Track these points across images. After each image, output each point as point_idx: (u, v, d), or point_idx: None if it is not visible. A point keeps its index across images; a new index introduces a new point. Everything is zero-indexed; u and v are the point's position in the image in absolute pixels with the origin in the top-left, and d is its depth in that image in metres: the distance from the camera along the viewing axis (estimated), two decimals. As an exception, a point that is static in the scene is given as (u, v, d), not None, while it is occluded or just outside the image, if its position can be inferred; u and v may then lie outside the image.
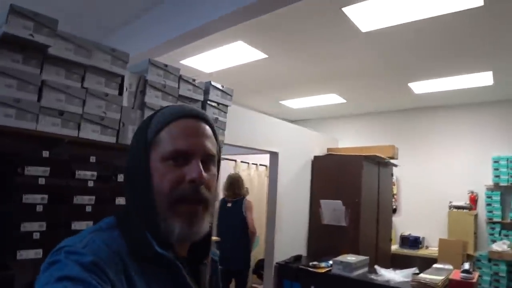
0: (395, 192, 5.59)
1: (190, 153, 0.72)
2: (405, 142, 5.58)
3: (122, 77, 2.20)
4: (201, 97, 2.63)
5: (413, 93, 4.94)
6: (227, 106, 2.82)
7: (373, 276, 3.29)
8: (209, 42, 3.81)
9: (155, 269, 0.70)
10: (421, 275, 3.09)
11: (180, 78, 2.49)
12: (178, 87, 2.48)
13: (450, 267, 3.32)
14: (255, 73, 4.72)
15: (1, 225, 1.70)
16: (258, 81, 5.05)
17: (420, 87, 4.71)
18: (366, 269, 3.54)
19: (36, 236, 1.79)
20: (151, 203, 0.71)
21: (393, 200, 5.54)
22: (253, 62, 4.28)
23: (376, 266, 3.42)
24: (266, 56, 4.09)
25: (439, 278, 2.95)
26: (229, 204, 4.17)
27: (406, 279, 3.15)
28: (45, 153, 1.86)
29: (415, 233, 5.28)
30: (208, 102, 2.67)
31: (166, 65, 2.41)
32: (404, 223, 5.55)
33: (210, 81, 2.68)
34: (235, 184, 4.21)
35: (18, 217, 1.75)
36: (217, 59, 4.27)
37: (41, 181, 1.83)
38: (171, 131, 0.73)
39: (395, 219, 5.57)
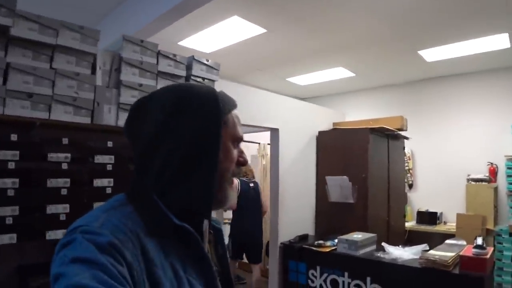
0: (411, 166, 5.38)
1: (241, 140, 0.85)
2: (418, 115, 5.32)
3: (95, 56, 2.14)
4: (183, 73, 2.54)
5: (424, 61, 4.64)
6: (213, 81, 2.72)
7: (380, 254, 3.17)
8: (204, 20, 3.70)
9: (172, 243, 0.72)
10: (431, 251, 2.94)
11: (159, 54, 2.41)
12: (157, 63, 2.40)
13: (464, 242, 3.14)
14: (256, 50, 4.56)
15: (-29, 210, 1.70)
16: (261, 58, 4.89)
17: (431, 54, 4.41)
18: (373, 247, 3.41)
19: (9, 220, 1.79)
20: (214, 174, 0.76)
21: (409, 175, 5.34)
22: (253, 38, 4.12)
23: (383, 244, 3.29)
24: (265, 30, 3.93)
25: (449, 254, 2.79)
26: (252, 185, 4.67)
27: (415, 257, 3.01)
28: (14, 137, 1.83)
29: (432, 208, 5.04)
30: (192, 77, 2.58)
31: (142, 41, 2.33)
32: (421, 199, 5.32)
33: (192, 56, 2.58)
34: (249, 170, 4.77)
35: (-12, 201, 1.75)
36: (215, 37, 4.14)
37: (11, 165, 1.81)
38: (233, 117, 0.83)
39: (412, 194, 5.38)
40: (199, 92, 0.80)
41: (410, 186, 5.36)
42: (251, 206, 4.53)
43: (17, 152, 1.82)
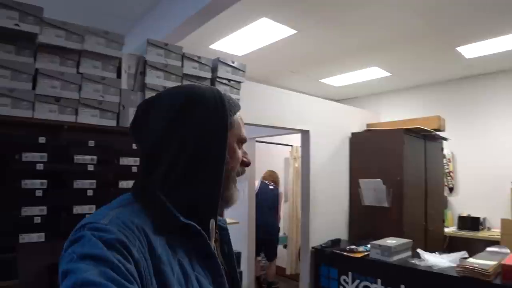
0: (451, 169, 5.11)
1: (245, 141, 0.87)
2: (458, 115, 5.04)
3: (120, 60, 2.19)
4: (208, 75, 2.55)
5: (463, 58, 4.39)
6: (239, 82, 2.71)
7: (415, 261, 3.03)
8: (233, 23, 3.71)
9: (180, 241, 0.73)
10: (470, 259, 2.77)
11: (184, 56, 2.43)
12: (182, 66, 2.42)
13: (507, 250, 2.94)
14: (288, 52, 4.51)
15: (2, 210, 1.77)
16: (293, 60, 4.84)
17: (470, 50, 4.17)
18: (408, 253, 3.27)
19: (38, 220, 1.85)
20: (221, 173, 0.78)
21: (449, 178, 5.08)
22: (283, 39, 4.07)
23: (419, 250, 3.15)
24: (295, 31, 3.88)
25: (490, 263, 2.61)
26: (271, 187, 5.12)
27: (452, 264, 2.85)
28: (42, 139, 1.90)
29: (475, 213, 4.75)
30: (217, 79, 2.58)
31: (166, 44, 2.36)
32: (462, 203, 5.01)
33: (218, 58, 2.58)
34: (275, 176, 5.30)
35: (18, 201, 1.82)
36: (245, 40, 4.14)
37: (39, 166, 1.88)
38: (238, 119, 0.85)
39: (452, 199, 5.09)
40: (206, 94, 0.81)
41: (451, 189, 5.09)
42: (266, 205, 4.93)
43: (45, 154, 1.89)
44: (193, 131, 0.76)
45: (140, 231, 0.66)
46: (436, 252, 3.13)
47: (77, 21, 2.02)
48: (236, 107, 0.85)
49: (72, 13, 3.53)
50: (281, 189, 5.41)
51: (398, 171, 3.78)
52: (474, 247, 3.89)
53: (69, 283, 0.54)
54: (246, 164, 0.87)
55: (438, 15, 3.43)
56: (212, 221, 0.82)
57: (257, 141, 4.76)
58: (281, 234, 5.93)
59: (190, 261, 0.73)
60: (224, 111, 0.80)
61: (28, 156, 1.85)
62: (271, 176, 5.26)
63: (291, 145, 5.46)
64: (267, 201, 4.95)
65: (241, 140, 0.85)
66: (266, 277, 5.17)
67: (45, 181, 1.87)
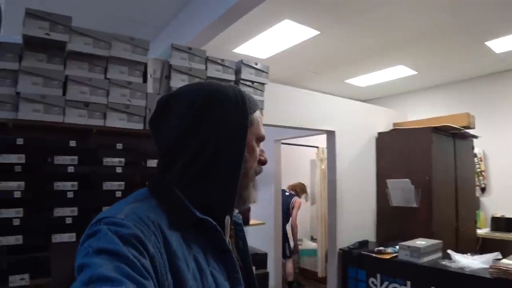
0: (483, 168, 4.94)
1: (263, 139, 0.87)
2: (489, 112, 4.87)
3: (145, 65, 2.25)
4: (232, 77, 2.58)
5: (493, 53, 4.24)
6: (263, 84, 2.72)
7: (445, 263, 2.96)
8: (255, 26, 3.74)
9: (195, 236, 0.73)
10: (504, 260, 2.68)
11: (207, 59, 2.47)
12: (206, 69, 2.46)
13: (543, 252, 2.84)
14: (311, 53, 4.49)
15: (35, 210, 1.85)
16: (317, 61, 4.81)
17: (500, 45, 4.02)
18: (438, 254, 3.20)
19: (69, 220, 1.92)
20: (239, 171, 0.78)
21: (482, 177, 4.91)
22: (307, 41, 4.07)
23: (449, 251, 3.07)
24: (318, 32, 3.87)
25: (526, 264, 2.53)
26: (287, 193, 5.38)
27: (485, 266, 2.76)
28: (72, 143, 1.97)
29: (509, 214, 4.56)
30: (241, 81, 2.61)
31: (190, 48, 2.40)
32: (495, 203, 4.82)
33: (241, 60, 2.61)
34: (297, 186, 5.58)
35: (51, 203, 1.89)
36: (269, 43, 4.16)
37: (70, 169, 1.95)
38: (257, 117, 0.84)
39: (485, 199, 4.91)
40: (227, 92, 0.81)
41: (483, 189, 4.91)
42: (281, 210, 5.05)
43: (76, 157, 1.96)
44: (214, 130, 0.76)
45: (155, 226, 0.67)
46: (468, 254, 3.04)
47: (104, 28, 2.10)
48: (255, 105, 0.85)
49: (99, 21, 3.66)
50: (302, 199, 5.59)
51: (426, 171, 3.70)
52: (509, 249, 3.74)
53: (84, 277, 0.54)
54: (263, 162, 0.86)
55: (465, 9, 3.33)
56: (227, 217, 0.82)
57: (282, 143, 4.76)
58: (308, 240, 5.94)
59: (205, 256, 0.74)
60: (245, 109, 0.80)
61: (59, 159, 1.92)
62: (293, 186, 5.59)
63: (316, 147, 5.43)
64: (282, 206, 5.05)
65: (260, 138, 0.85)
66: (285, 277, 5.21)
67: (75, 183, 1.94)
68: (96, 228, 0.63)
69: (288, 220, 5.30)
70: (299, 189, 5.58)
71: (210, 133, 0.76)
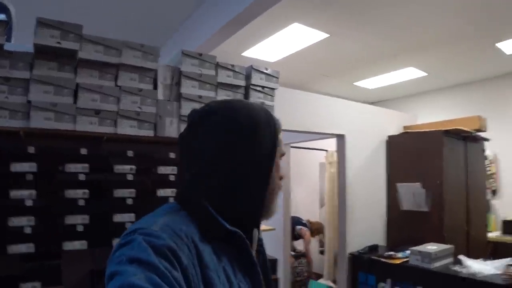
0: (494, 171, 4.88)
1: (284, 155, 0.90)
2: (500, 114, 4.79)
3: (156, 71, 2.24)
4: (242, 83, 2.56)
5: (503, 54, 4.19)
6: (273, 89, 2.71)
7: (457, 268, 2.92)
8: (264, 29, 3.73)
9: (224, 249, 0.75)
10: (517, 266, 2.66)
11: (217, 65, 2.46)
12: (216, 75, 2.45)
13: (557, 257, 2.80)
14: (320, 56, 4.47)
15: (47, 218, 1.86)
16: (326, 64, 4.79)
17: (511, 46, 3.99)
18: (450, 259, 3.16)
19: (80, 228, 1.92)
20: (267, 188, 0.82)
21: (492, 180, 4.85)
22: (316, 44, 4.05)
23: (461, 256, 3.03)
24: (328, 35, 3.85)
25: (539, 270, 2.49)
26: (303, 221, 5.49)
27: (497, 272, 2.73)
28: (83, 151, 1.98)
29: (521, 217, 4.51)
30: (251, 87, 2.59)
31: (200, 54, 2.39)
32: (507, 206, 4.74)
33: (251, 65, 2.60)
34: (315, 224, 5.56)
35: (62, 210, 1.89)
36: (278, 46, 4.15)
37: (81, 177, 1.95)
38: (280, 137, 0.87)
39: (496, 202, 4.84)
40: (260, 115, 0.84)
41: (494, 192, 4.85)
42: None
43: (87, 165, 1.96)
44: (248, 154, 0.79)
45: (188, 239, 0.68)
46: (480, 259, 3.00)
47: (114, 35, 2.10)
48: (280, 125, 0.88)
49: (110, 28, 3.67)
50: (313, 237, 5.56)
51: (437, 174, 3.66)
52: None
53: (116, 284, 0.55)
54: (281, 177, 0.89)
55: (475, 11, 3.29)
56: (255, 231, 0.87)
57: (292, 147, 4.74)
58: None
59: (233, 269, 0.75)
60: (275, 132, 0.85)
61: (70, 167, 1.93)
62: (313, 222, 5.57)
63: (326, 150, 5.40)
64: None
65: (282, 155, 0.88)
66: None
67: (86, 190, 1.94)
68: (130, 238, 0.64)
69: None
70: (315, 228, 5.51)
71: (244, 157, 0.79)
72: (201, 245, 0.70)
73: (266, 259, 0.94)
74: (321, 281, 5.05)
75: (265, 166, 0.82)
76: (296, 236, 5.28)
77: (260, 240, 0.95)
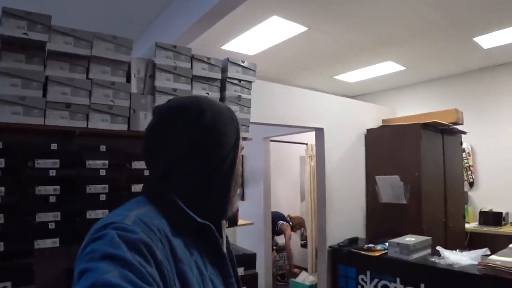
0: (471, 163, 4.97)
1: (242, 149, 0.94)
2: (477, 107, 4.90)
3: (129, 64, 2.19)
4: (218, 75, 2.52)
5: (480, 48, 4.26)
6: (250, 82, 2.68)
7: (434, 259, 2.96)
8: (243, 22, 3.71)
9: (194, 242, 0.76)
10: (493, 256, 2.69)
11: (193, 58, 2.41)
12: (191, 67, 2.40)
13: (532, 246, 2.86)
14: (300, 49, 4.47)
15: (17, 216, 1.80)
16: (305, 58, 4.79)
17: (488, 40, 4.04)
18: (428, 251, 3.21)
19: (52, 225, 1.87)
20: (232, 179, 0.86)
21: (470, 172, 4.94)
22: (295, 37, 4.04)
23: (438, 248, 3.07)
24: (307, 28, 3.84)
25: (514, 260, 2.54)
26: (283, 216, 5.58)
27: (473, 262, 2.77)
28: (54, 146, 1.92)
29: (497, 208, 4.60)
30: (228, 79, 2.56)
31: (175, 46, 2.35)
32: (483, 198, 4.87)
33: (227, 58, 2.56)
34: (295, 219, 5.68)
35: (33, 208, 1.83)
36: (257, 40, 4.13)
37: (52, 172, 1.90)
38: (241, 131, 0.92)
39: (473, 193, 4.96)
40: (224, 111, 0.88)
41: (471, 184, 4.95)
42: None
43: (58, 160, 1.91)
44: (216, 148, 0.83)
45: (161, 233, 0.67)
46: (457, 250, 3.05)
47: (86, 28, 2.03)
48: (238, 120, 0.93)
49: (80, 20, 3.58)
50: (293, 232, 5.63)
51: (415, 167, 3.70)
52: (497, 243, 3.77)
53: (88, 282, 0.53)
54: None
55: (453, 5, 3.33)
56: (223, 222, 0.89)
57: (271, 140, 4.74)
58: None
59: (203, 262, 0.76)
60: (237, 127, 0.89)
61: (40, 163, 1.87)
62: (293, 217, 5.67)
63: (306, 144, 5.42)
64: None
65: (241, 149, 0.92)
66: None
67: (58, 187, 1.89)
68: (102, 233, 0.62)
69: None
70: (296, 223, 5.59)
71: (212, 153, 0.82)
72: (173, 239, 0.70)
73: (232, 253, 0.94)
74: (301, 276, 5.06)
75: (231, 160, 0.85)
76: (277, 231, 5.29)
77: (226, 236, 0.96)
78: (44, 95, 1.91)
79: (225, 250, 0.86)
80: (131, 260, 0.57)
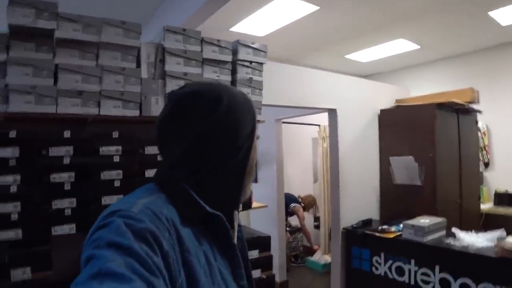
0: (486, 143, 4.87)
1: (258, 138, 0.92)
2: (494, 86, 4.74)
3: (138, 49, 2.17)
4: (229, 58, 2.49)
5: (497, 24, 4.10)
6: (261, 64, 2.64)
7: (450, 241, 2.94)
8: (252, 2, 3.62)
9: (204, 232, 0.75)
10: (510, 239, 2.66)
11: (203, 41, 2.38)
12: (201, 50, 2.37)
13: (549, 227, 2.81)
14: (310, 29, 4.37)
15: (33, 204, 1.82)
16: (316, 37, 4.68)
17: (505, 15, 3.87)
18: (443, 232, 3.18)
19: (68, 212, 1.89)
20: (245, 168, 0.84)
21: (485, 152, 4.85)
22: (306, 17, 3.95)
23: (454, 229, 3.04)
24: (317, 7, 3.75)
25: (530, 242, 2.50)
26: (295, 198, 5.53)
27: (489, 244, 2.74)
28: (67, 133, 1.92)
29: (512, 189, 4.53)
30: (239, 62, 2.52)
31: (184, 30, 2.31)
32: (499, 178, 4.74)
33: (237, 40, 2.52)
34: (306, 198, 5.59)
35: (48, 195, 1.85)
36: (267, 20, 4.05)
37: (66, 160, 1.90)
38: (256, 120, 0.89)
39: (488, 174, 4.86)
40: (240, 99, 0.85)
41: (486, 164, 4.85)
42: None
43: (71, 148, 1.91)
44: (231, 137, 0.80)
45: (169, 222, 0.66)
46: (472, 231, 3.02)
47: (93, 13, 2.01)
48: (255, 107, 0.89)
49: (87, 6, 3.54)
50: (307, 212, 5.63)
51: (430, 148, 3.64)
52: (512, 224, 3.73)
53: (92, 270, 0.52)
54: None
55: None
56: (236, 212, 0.88)
57: (283, 122, 4.70)
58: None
59: (213, 251, 0.75)
60: (254, 115, 0.86)
61: (54, 151, 1.87)
62: (304, 197, 5.60)
63: (318, 125, 5.37)
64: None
65: (257, 138, 0.90)
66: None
67: (72, 174, 1.90)
68: (109, 220, 0.62)
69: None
70: (307, 202, 5.56)
71: (227, 142, 0.80)
72: (181, 228, 0.69)
73: (245, 245, 0.94)
74: (316, 255, 5.09)
75: (246, 149, 0.83)
76: (290, 213, 5.31)
77: (239, 226, 0.95)
78: (55, 83, 1.90)
79: (235, 240, 0.85)
80: (137, 249, 0.56)
